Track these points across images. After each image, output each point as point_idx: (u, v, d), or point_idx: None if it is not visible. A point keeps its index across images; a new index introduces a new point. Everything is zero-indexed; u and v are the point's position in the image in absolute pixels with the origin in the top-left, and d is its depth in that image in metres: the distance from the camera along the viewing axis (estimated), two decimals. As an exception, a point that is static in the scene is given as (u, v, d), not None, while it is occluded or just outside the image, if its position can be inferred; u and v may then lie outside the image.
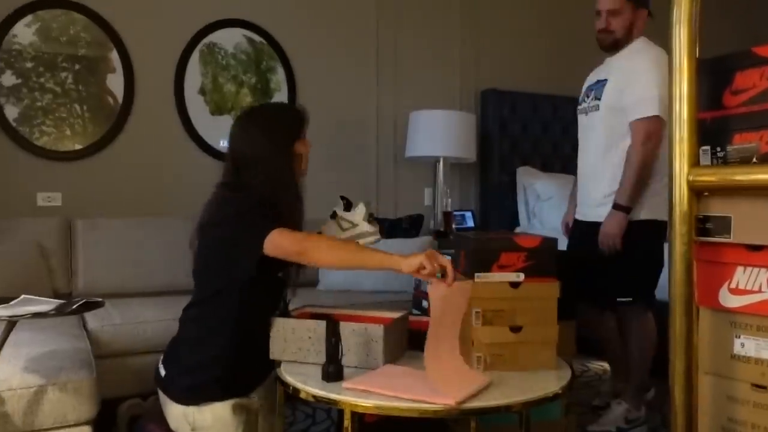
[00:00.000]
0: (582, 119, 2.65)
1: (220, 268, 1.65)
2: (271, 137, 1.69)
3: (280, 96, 3.61)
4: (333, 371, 1.51)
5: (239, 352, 1.67)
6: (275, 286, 1.75)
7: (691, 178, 1.09)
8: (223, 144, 3.46)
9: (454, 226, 3.78)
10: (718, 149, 1.16)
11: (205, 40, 3.43)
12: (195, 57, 3.40)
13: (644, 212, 2.40)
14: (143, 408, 2.10)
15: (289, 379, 1.55)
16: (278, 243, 1.54)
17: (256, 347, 1.69)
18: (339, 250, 1.56)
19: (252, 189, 1.65)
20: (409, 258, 1.46)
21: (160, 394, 1.71)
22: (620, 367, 2.65)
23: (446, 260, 1.47)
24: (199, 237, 1.70)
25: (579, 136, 2.68)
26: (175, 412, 1.67)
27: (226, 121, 3.48)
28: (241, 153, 1.71)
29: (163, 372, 1.71)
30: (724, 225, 1.13)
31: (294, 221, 1.66)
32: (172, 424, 1.68)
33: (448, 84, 4.09)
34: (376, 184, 3.91)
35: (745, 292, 1.12)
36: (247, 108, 1.76)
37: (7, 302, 1.69)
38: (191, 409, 1.64)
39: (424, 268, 1.43)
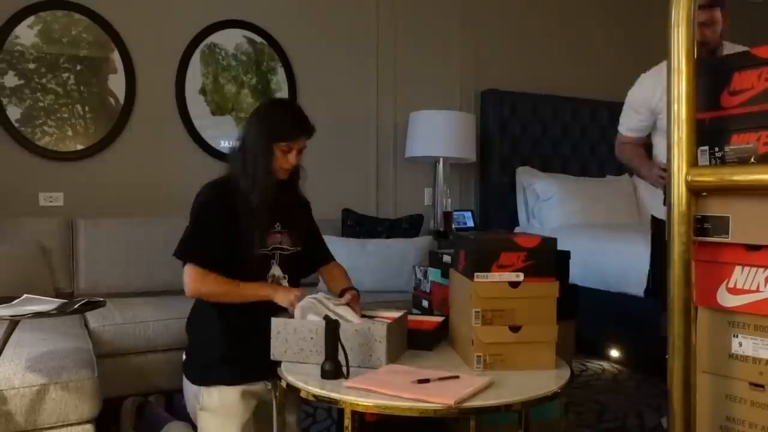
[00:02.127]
0: None
1: None
2: (255, 129, 1.85)
3: (281, 96, 3.61)
4: (330, 369, 1.53)
5: (233, 333, 1.76)
6: (251, 268, 1.82)
7: (689, 178, 1.09)
8: (223, 144, 3.47)
9: (454, 226, 3.79)
10: (716, 149, 1.17)
11: (206, 41, 3.44)
12: (196, 58, 3.41)
13: None
14: (147, 400, 2.14)
15: (290, 378, 1.55)
16: (184, 277, 1.78)
17: (255, 328, 1.72)
18: (224, 291, 1.79)
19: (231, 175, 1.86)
20: (284, 294, 1.77)
21: (184, 378, 1.83)
22: None
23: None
24: None
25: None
26: (189, 392, 1.78)
27: (227, 122, 3.49)
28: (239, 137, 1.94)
29: (184, 356, 1.86)
30: (722, 225, 1.13)
31: (250, 217, 1.81)
32: (188, 407, 1.76)
33: (448, 84, 4.10)
34: (376, 184, 3.92)
35: (743, 291, 1.12)
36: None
37: (9, 302, 1.70)
38: (201, 390, 1.74)
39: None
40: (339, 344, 1.54)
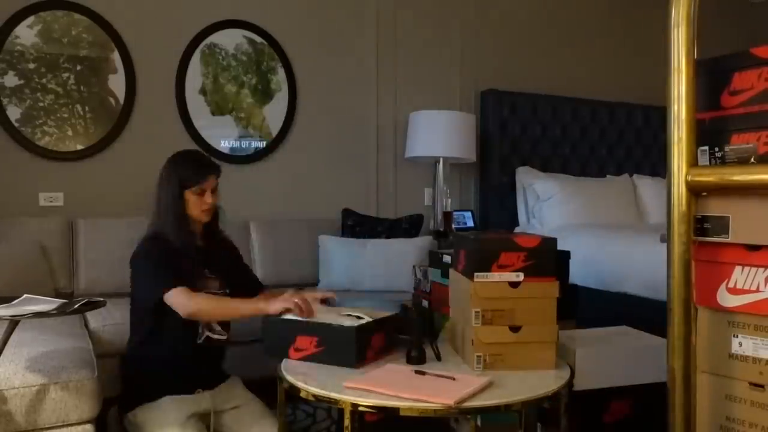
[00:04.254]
0: None
1: (133, 300, 1.95)
2: (165, 182, 1.94)
3: (281, 96, 3.61)
4: (416, 355, 1.66)
5: (163, 359, 1.87)
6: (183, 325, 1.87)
7: (689, 178, 1.09)
8: (223, 144, 3.47)
9: (453, 226, 3.79)
10: (716, 149, 1.17)
11: (206, 41, 3.43)
12: (196, 58, 3.41)
13: None
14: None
15: (290, 378, 1.55)
16: (173, 303, 1.80)
17: (181, 351, 1.89)
18: (220, 306, 1.87)
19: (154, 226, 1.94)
20: (274, 303, 1.78)
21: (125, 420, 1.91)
22: None
23: (304, 297, 1.78)
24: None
25: None
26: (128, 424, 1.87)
27: (227, 122, 3.49)
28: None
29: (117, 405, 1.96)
30: (722, 225, 1.13)
31: (181, 258, 1.88)
32: None
33: (448, 84, 4.10)
34: (376, 185, 3.92)
35: (743, 291, 1.12)
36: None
37: (9, 302, 1.70)
38: (135, 412, 1.83)
39: (289, 310, 1.75)
40: (425, 332, 1.69)
